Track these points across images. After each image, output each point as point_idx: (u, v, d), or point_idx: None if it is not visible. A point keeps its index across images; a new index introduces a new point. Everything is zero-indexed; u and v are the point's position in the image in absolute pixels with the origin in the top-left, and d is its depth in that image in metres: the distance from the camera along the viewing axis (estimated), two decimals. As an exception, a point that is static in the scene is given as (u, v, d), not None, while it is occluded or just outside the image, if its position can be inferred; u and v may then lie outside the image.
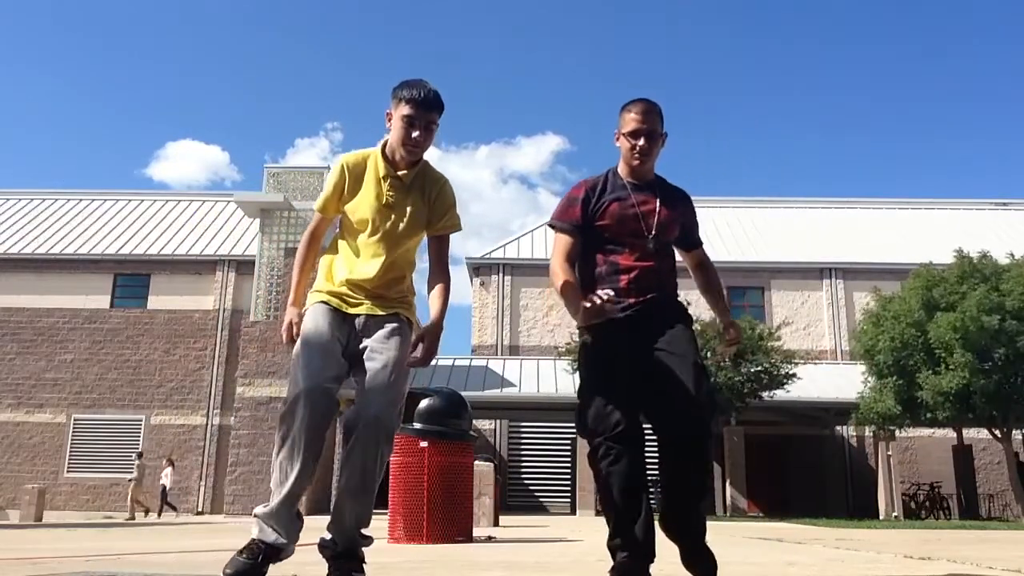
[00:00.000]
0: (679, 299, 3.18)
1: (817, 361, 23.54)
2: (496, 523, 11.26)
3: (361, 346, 2.97)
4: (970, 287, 17.28)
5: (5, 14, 70.92)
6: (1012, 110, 77.59)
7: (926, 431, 22.82)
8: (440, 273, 3.18)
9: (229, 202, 27.69)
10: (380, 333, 2.98)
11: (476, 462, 8.55)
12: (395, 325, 3.02)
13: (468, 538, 6.74)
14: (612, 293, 2.81)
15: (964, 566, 4.22)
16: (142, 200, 29.61)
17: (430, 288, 3.17)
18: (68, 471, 23.22)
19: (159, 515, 20.23)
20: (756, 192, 54.22)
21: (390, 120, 3.08)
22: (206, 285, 24.66)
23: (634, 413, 2.93)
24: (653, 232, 3.07)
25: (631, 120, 3.11)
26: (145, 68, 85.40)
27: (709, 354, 14.78)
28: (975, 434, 21.83)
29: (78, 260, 25.14)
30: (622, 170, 3.17)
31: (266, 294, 21.74)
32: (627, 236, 3.06)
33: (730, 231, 28.83)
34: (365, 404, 2.87)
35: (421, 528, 6.46)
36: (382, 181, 3.09)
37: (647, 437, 2.98)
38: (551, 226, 3.17)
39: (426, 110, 3.02)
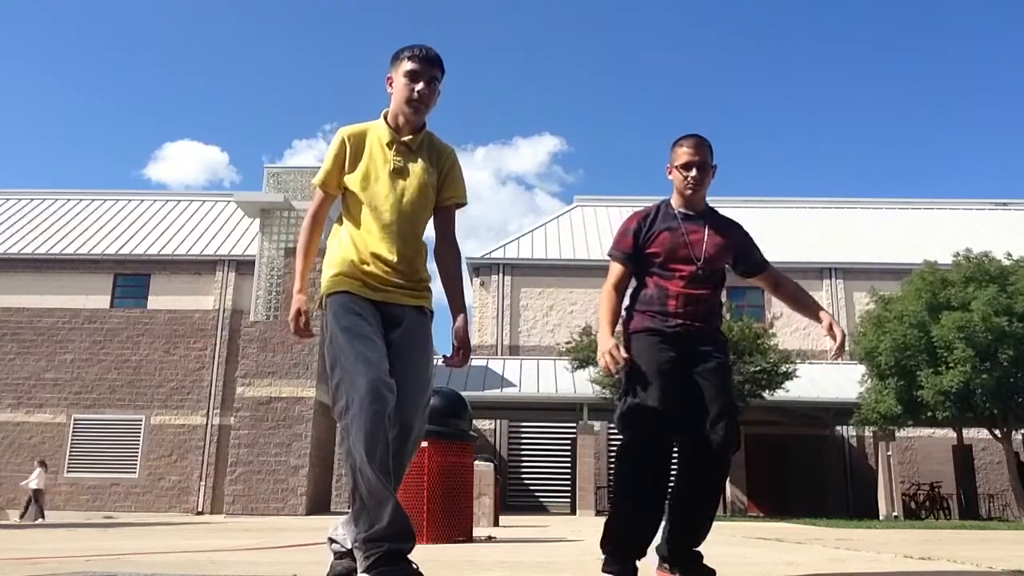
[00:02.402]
0: (722, 333, 3.35)
1: (817, 361, 23.53)
2: (496, 523, 11.25)
3: (388, 337, 2.85)
4: (978, 287, 17.27)
5: (5, 14, 70.94)
6: (1012, 110, 77.63)
7: (926, 431, 22.81)
8: (448, 247, 3.10)
9: (229, 202, 27.67)
10: (407, 327, 2.89)
11: (476, 462, 8.55)
12: (420, 321, 2.94)
13: (468, 538, 6.74)
14: (623, 364, 3.07)
15: (964, 566, 4.22)
16: (142, 200, 29.59)
17: (440, 264, 3.10)
18: (68, 471, 23.21)
19: (20, 518, 19.81)
20: (756, 192, 54.25)
21: (391, 85, 3.00)
22: (206, 285, 24.65)
23: (671, 424, 3.10)
24: (701, 260, 3.21)
25: (683, 154, 3.28)
26: (144, 68, 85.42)
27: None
28: (975, 434, 21.82)
29: (78, 260, 25.12)
30: (675, 201, 3.34)
31: (266, 294, 21.71)
32: (677, 263, 3.21)
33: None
34: (398, 408, 2.77)
35: (421, 528, 6.44)
36: (387, 147, 2.97)
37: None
38: (609, 255, 3.37)
39: (429, 65, 2.95)
